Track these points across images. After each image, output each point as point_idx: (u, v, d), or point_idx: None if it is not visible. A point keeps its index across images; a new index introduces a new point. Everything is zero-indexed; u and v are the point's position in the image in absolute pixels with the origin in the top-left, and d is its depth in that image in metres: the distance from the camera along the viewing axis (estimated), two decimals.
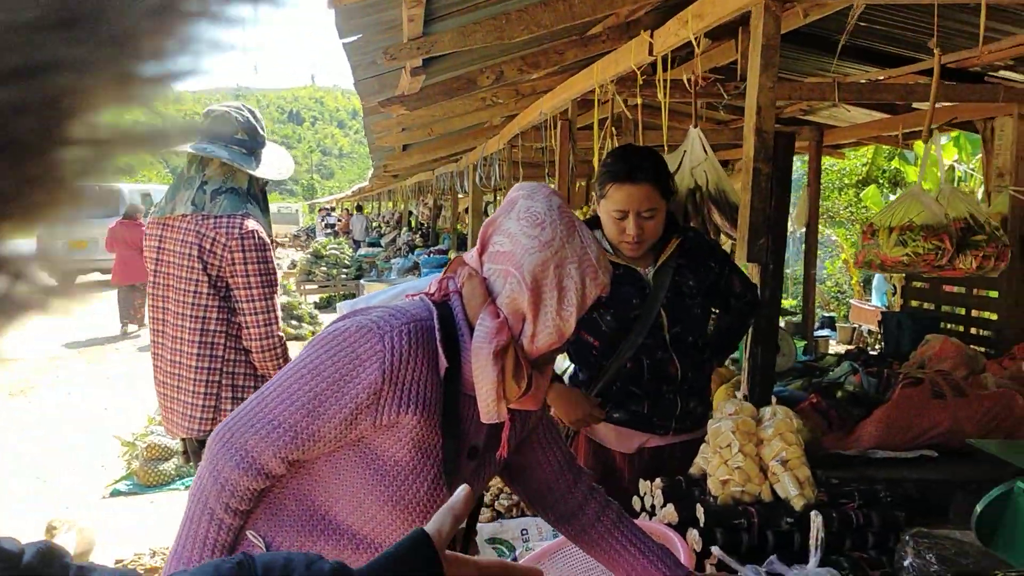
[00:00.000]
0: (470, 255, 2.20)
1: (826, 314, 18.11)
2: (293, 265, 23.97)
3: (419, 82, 6.07)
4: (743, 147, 4.15)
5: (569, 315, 2.08)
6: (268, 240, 3.97)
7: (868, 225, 4.07)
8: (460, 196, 19.61)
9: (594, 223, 3.67)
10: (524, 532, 3.67)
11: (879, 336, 10.53)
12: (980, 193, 10.65)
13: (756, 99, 3.91)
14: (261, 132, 4.26)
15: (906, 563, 2.46)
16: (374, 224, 34.65)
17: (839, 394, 4.72)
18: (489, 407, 2.10)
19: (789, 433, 3.00)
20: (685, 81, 5.18)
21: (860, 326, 14.59)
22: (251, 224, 3.99)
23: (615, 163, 3.49)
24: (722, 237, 4.91)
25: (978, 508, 3.02)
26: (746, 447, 2.97)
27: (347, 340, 2.03)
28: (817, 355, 8.10)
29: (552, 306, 2.07)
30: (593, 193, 3.70)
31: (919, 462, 4.44)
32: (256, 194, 4.19)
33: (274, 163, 4.27)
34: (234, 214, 3.98)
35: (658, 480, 3.21)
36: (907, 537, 2.51)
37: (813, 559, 2.65)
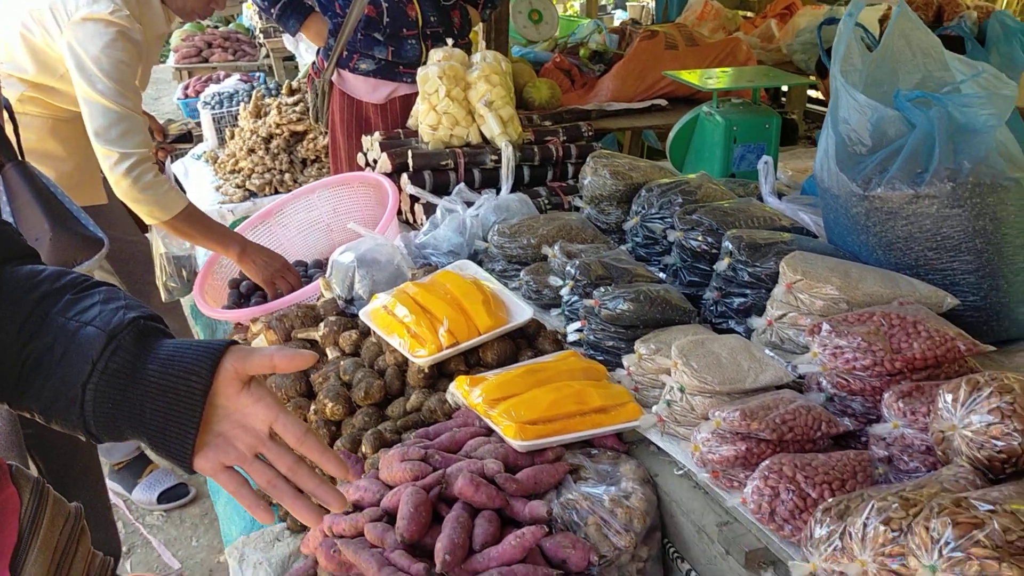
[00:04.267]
0: None
1: None
2: None
3: None
4: None
5: None
6: None
7: None
8: None
9: None
10: None
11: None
12: None
13: None
14: None
15: (586, 181, 2.66)
16: None
17: (581, 52, 4.81)
18: None
19: (495, 75, 3.05)
20: None
21: (649, 2, 14.66)
22: None
23: None
24: None
25: (670, 135, 3.28)
26: (453, 91, 3.01)
27: None
28: None
29: None
30: None
31: (651, 111, 4.71)
32: None
33: None
34: None
35: (376, 134, 3.25)
36: (589, 158, 2.69)
37: (505, 186, 2.82)
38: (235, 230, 3.17)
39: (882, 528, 1.16)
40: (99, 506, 2.92)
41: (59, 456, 2.71)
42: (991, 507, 1.08)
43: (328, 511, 1.19)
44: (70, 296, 1.09)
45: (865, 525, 1.18)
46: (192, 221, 2.85)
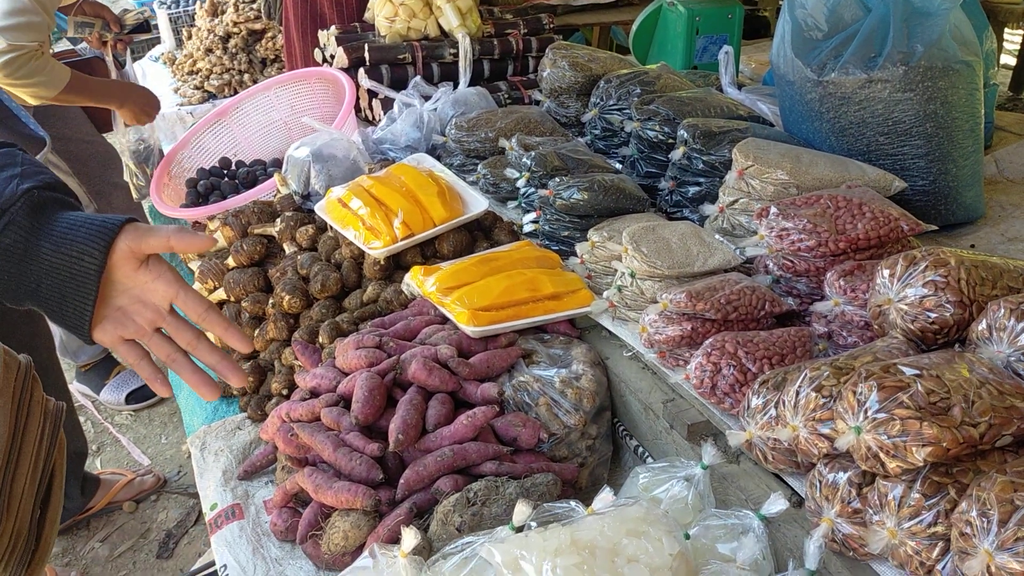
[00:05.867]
0: None
1: None
2: None
3: None
4: None
5: None
6: None
7: None
8: None
9: None
10: None
11: None
12: None
13: None
14: None
15: (545, 74, 2.63)
16: None
17: None
18: None
19: None
20: None
21: None
22: None
23: None
24: None
25: (633, 28, 3.23)
26: None
27: None
28: None
29: None
30: None
31: (618, 6, 4.62)
32: None
33: None
34: None
35: (332, 28, 3.17)
36: (548, 50, 2.65)
37: (463, 79, 2.78)
38: (190, 131, 3.12)
39: (813, 395, 1.20)
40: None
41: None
42: (917, 372, 1.11)
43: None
44: None
45: (798, 393, 1.22)
46: (76, 90, 2.88)
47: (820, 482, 1.20)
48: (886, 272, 1.37)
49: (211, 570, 2.17)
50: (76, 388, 3.80)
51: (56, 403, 1.07)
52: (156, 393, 1.11)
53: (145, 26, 4.34)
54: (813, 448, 1.20)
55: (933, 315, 1.30)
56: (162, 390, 1.13)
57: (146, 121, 3.07)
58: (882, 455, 1.08)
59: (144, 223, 1.08)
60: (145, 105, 3.09)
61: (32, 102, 2.83)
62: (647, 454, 1.62)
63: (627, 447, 1.68)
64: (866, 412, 1.09)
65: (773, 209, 1.68)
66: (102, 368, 3.79)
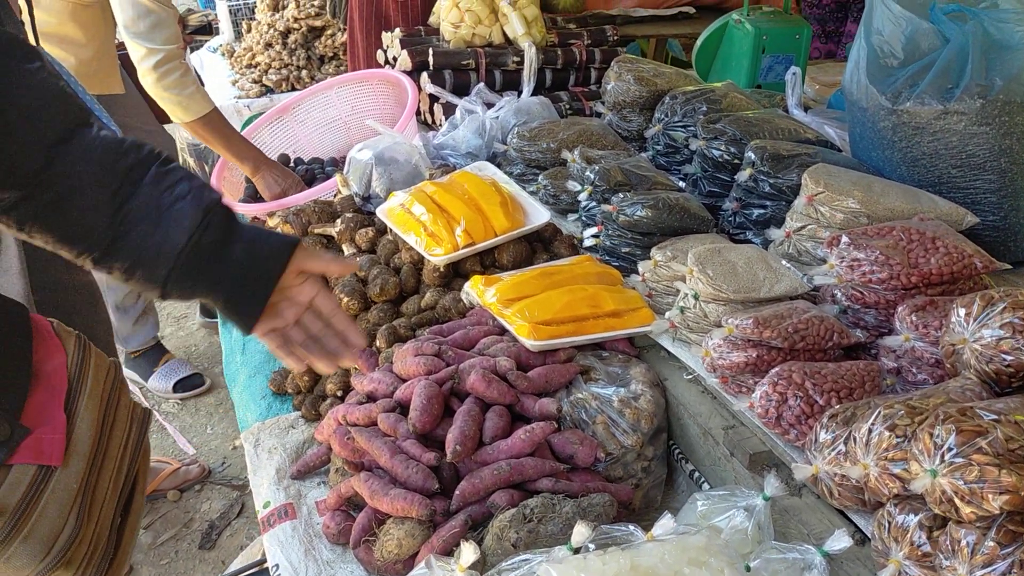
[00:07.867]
0: None
1: None
2: None
3: None
4: None
5: None
6: None
7: None
8: None
9: None
10: None
11: None
12: None
13: None
14: None
15: (609, 87, 2.62)
16: None
17: None
18: None
19: None
20: None
21: None
22: None
23: None
24: None
25: (697, 43, 3.21)
26: None
27: None
28: None
29: None
30: None
31: (677, 19, 4.59)
32: None
33: None
34: None
35: (396, 30, 3.19)
36: (614, 63, 2.65)
37: (527, 88, 2.79)
38: (250, 126, 3.16)
39: (887, 434, 1.18)
40: None
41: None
42: (995, 416, 1.09)
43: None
44: (156, 168, 1.20)
45: (870, 431, 1.20)
46: (213, 128, 2.84)
47: (889, 523, 1.18)
48: (962, 311, 1.34)
49: (254, 570, 2.19)
50: (125, 374, 3.86)
51: (143, 408, 1.12)
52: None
53: (208, 28, 4.41)
54: (884, 488, 1.18)
55: (1009, 358, 1.27)
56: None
57: (279, 196, 2.84)
58: (957, 500, 1.06)
59: (308, 246, 1.33)
60: (285, 184, 2.88)
61: (173, 119, 2.86)
62: (703, 479, 1.61)
63: (682, 471, 1.67)
64: (943, 456, 1.07)
65: (844, 238, 1.66)
66: (151, 356, 3.84)
